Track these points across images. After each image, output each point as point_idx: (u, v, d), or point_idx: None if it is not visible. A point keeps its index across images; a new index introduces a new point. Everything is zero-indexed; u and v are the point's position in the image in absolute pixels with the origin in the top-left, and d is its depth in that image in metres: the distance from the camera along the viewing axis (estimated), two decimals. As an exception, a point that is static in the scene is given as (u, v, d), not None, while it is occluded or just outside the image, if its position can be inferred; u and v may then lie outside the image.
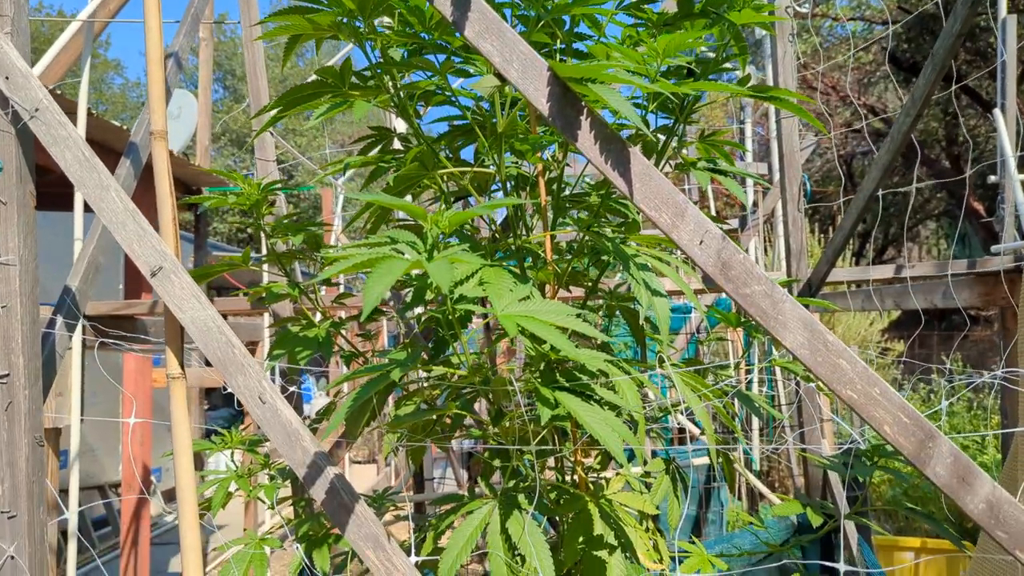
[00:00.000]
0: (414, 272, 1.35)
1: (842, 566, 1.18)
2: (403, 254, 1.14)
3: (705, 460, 3.29)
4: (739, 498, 4.97)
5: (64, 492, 2.97)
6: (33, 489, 1.39)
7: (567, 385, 1.34)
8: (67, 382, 2.87)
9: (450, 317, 1.29)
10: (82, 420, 2.99)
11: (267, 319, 5.59)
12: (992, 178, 4.36)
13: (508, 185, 1.77)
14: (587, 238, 1.83)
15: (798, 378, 2.32)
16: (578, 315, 1.26)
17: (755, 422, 4.70)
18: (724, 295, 2.20)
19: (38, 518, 1.40)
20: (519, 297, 1.29)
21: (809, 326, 1.19)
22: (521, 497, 1.44)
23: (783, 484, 4.52)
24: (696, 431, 3.24)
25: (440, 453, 7.22)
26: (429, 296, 1.37)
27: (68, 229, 2.99)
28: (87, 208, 2.69)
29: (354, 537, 1.32)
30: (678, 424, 4.39)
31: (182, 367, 1.41)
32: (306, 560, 1.69)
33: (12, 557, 1.37)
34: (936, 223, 14.17)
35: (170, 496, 7.50)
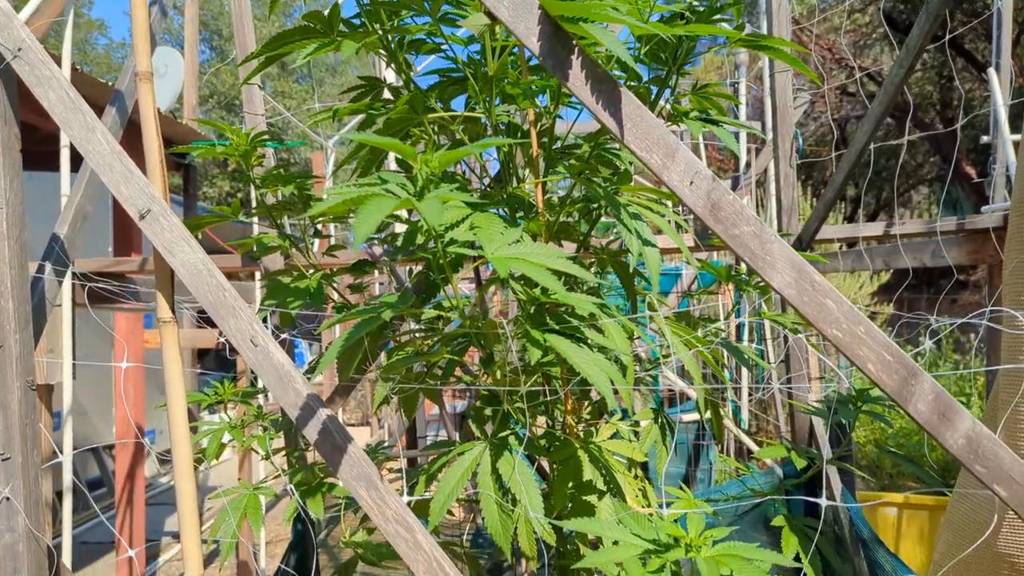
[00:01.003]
0: (403, 213, 1.35)
1: (823, 501, 1.20)
2: (393, 194, 1.14)
3: (694, 416, 3.33)
4: (727, 455, 5.04)
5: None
6: (26, 432, 1.40)
7: (557, 328, 1.35)
8: (58, 339, 2.86)
9: (441, 261, 1.29)
10: (75, 377, 3.00)
11: (259, 284, 5.59)
12: (985, 138, 4.37)
13: (500, 134, 1.76)
14: (578, 192, 1.83)
15: (787, 331, 2.34)
16: (570, 259, 1.26)
17: (744, 379, 4.75)
18: (716, 257, 2.22)
19: (32, 461, 1.41)
20: (510, 240, 1.29)
21: (797, 266, 1.20)
22: (511, 439, 1.46)
23: (770, 441, 4.59)
24: (686, 388, 3.28)
25: (433, 415, 7.28)
26: (420, 239, 1.37)
27: (55, 188, 2.96)
28: (74, 167, 2.66)
29: (347, 477, 1.34)
30: (667, 384, 4.44)
31: (173, 312, 1.41)
32: (301, 503, 1.71)
33: (7, 498, 1.38)
34: (928, 188, 14.20)
35: (164, 457, 7.56)
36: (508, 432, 1.50)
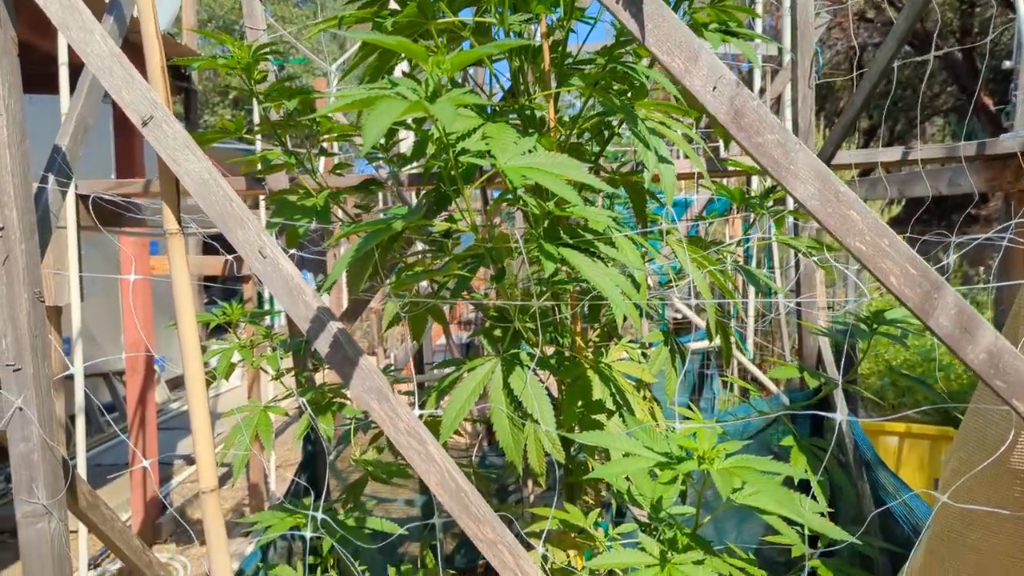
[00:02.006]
0: (412, 120, 1.31)
1: (839, 416, 1.19)
2: (404, 97, 1.09)
3: (701, 344, 3.34)
4: (730, 390, 5.09)
5: (69, 379, 3.02)
6: (36, 343, 1.39)
7: (571, 242, 1.32)
8: (65, 261, 2.85)
9: (452, 172, 1.26)
10: (83, 299, 3.00)
11: (263, 216, 5.54)
12: (1007, 63, 4.23)
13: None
14: (591, 108, 1.77)
15: (799, 254, 2.31)
16: (589, 162, 1.23)
17: (751, 306, 4.74)
18: (723, 195, 2.16)
19: (44, 372, 1.41)
20: (523, 150, 1.25)
21: (821, 176, 1.16)
22: (523, 354, 1.45)
23: (780, 361, 4.60)
24: (694, 317, 3.27)
25: (439, 345, 7.33)
26: (430, 149, 1.33)
27: (55, 111, 2.90)
28: (73, 86, 2.59)
29: (358, 389, 1.34)
30: (674, 315, 4.44)
31: (179, 223, 1.39)
32: (312, 416, 1.72)
33: (21, 409, 1.39)
34: (944, 119, 13.88)
35: (174, 385, 7.66)
36: (519, 349, 1.49)
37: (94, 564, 4.22)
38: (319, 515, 1.47)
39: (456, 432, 2.36)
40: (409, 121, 1.38)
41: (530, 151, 1.26)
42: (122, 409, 6.59)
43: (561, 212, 1.32)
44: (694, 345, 3.26)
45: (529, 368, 1.40)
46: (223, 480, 5.49)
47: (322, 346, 1.33)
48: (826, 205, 1.16)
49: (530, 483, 2.91)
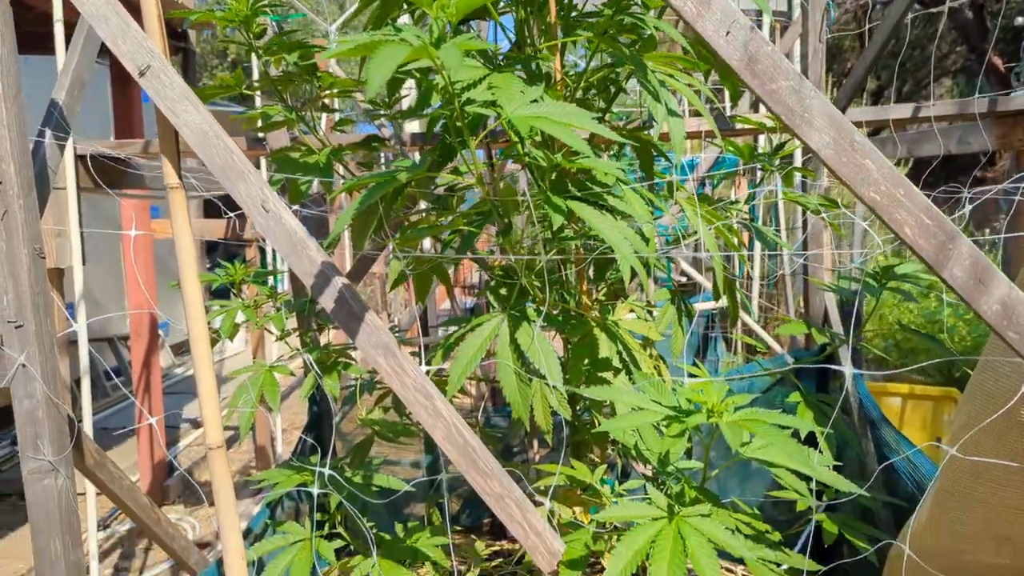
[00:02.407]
0: (416, 69, 1.28)
1: (847, 369, 1.18)
2: (408, 42, 1.06)
3: (706, 305, 3.32)
4: (734, 353, 5.09)
5: (73, 344, 3.01)
6: (37, 300, 1.38)
7: (579, 195, 1.30)
8: (65, 221, 2.83)
9: (458, 122, 1.23)
10: (85, 263, 2.98)
11: (265, 172, 5.50)
12: (1020, 20, 4.14)
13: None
14: (598, 61, 1.73)
15: (806, 215, 2.28)
16: (595, 118, 1.20)
17: (756, 265, 4.72)
18: (731, 152, 2.13)
19: (46, 328, 1.40)
20: (529, 100, 1.22)
21: (836, 124, 1.13)
22: (530, 310, 1.43)
23: (787, 318, 4.58)
24: (700, 278, 3.25)
25: (444, 309, 7.34)
26: (435, 100, 1.30)
27: (51, 71, 2.85)
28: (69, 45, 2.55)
29: (365, 345, 1.33)
30: (681, 275, 4.42)
31: (179, 177, 1.36)
32: (318, 373, 1.72)
33: (24, 365, 1.38)
34: (952, 80, 13.66)
35: (179, 350, 7.69)
36: (526, 305, 1.48)
37: (103, 525, 4.28)
38: (326, 471, 1.47)
39: (461, 392, 2.36)
40: (413, 70, 1.34)
41: (536, 101, 1.23)
42: (127, 373, 6.62)
43: (569, 164, 1.30)
44: (699, 306, 3.24)
45: (536, 323, 1.39)
46: (230, 444, 5.54)
47: (327, 301, 1.31)
48: (840, 154, 1.14)
49: (535, 444, 2.92)
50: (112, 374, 6.61)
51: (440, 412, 1.35)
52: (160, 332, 5.59)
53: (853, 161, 1.13)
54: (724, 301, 2.00)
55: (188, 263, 1.36)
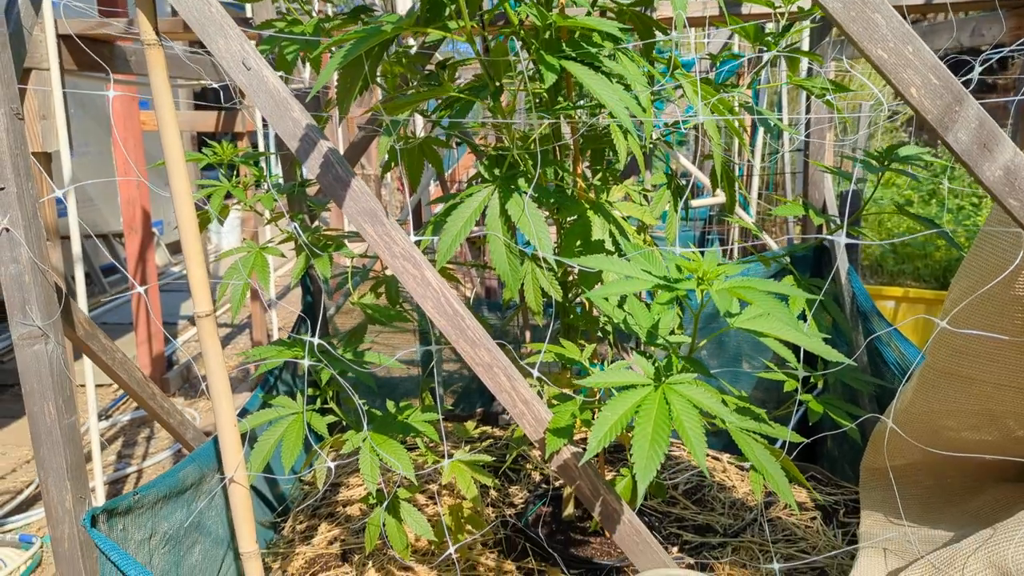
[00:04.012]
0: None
1: (842, 239, 1.16)
2: None
3: (703, 201, 3.28)
4: (730, 258, 5.07)
5: (65, 239, 2.97)
6: (18, 162, 1.35)
7: (573, 54, 1.24)
8: (50, 104, 2.75)
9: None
10: (74, 154, 2.92)
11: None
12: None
13: None
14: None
15: (812, 95, 2.22)
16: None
17: (755, 184, 4.66)
18: (739, 34, 2.03)
19: (28, 192, 1.37)
20: (524, -50, 1.15)
21: (847, -26, 1.07)
22: (521, 181, 1.40)
23: (783, 199, 4.54)
24: (697, 172, 3.20)
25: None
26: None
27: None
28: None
29: (351, 212, 1.30)
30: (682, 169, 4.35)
31: (156, 33, 1.30)
32: (309, 247, 1.70)
33: (7, 229, 1.36)
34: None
35: (174, 249, 7.67)
36: (517, 172, 1.44)
37: (105, 416, 4.37)
38: (316, 340, 1.47)
39: (452, 279, 2.35)
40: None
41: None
42: (124, 271, 6.63)
43: (564, 22, 1.23)
44: (696, 202, 3.21)
45: (527, 194, 1.36)
46: (227, 340, 5.59)
47: (312, 165, 1.28)
48: (849, 8, 1.08)
49: (527, 335, 2.95)
50: (118, 265, 6.62)
51: (429, 281, 1.34)
52: (154, 230, 5.56)
53: (863, 15, 1.08)
54: (721, 197, 1.97)
55: (169, 121, 1.32)
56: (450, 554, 1.85)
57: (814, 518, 2.12)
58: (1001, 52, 1.32)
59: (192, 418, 4.30)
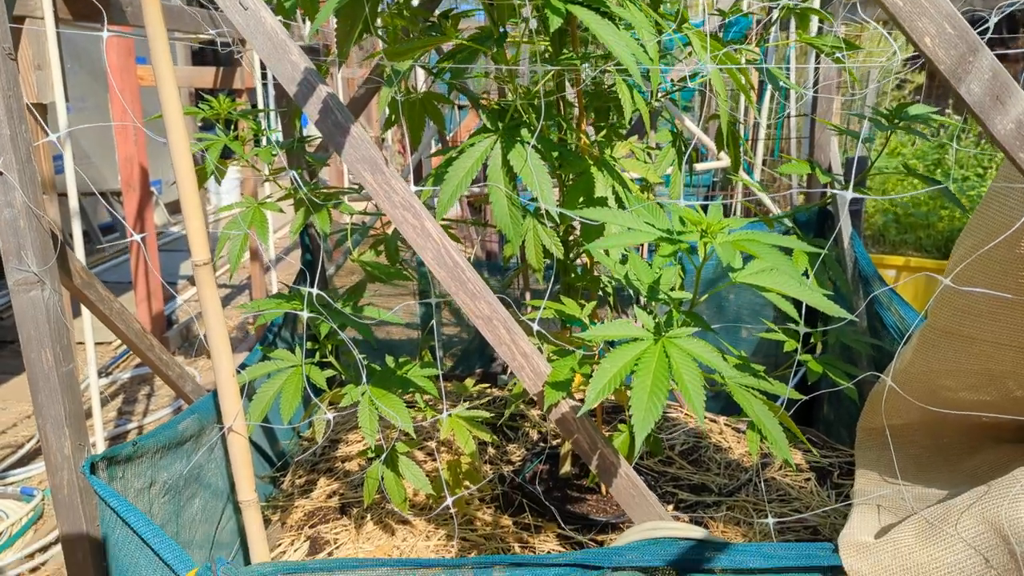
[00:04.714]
0: None
1: (848, 193, 1.15)
2: None
3: (709, 165, 3.25)
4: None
5: (63, 196, 2.94)
6: (11, 104, 1.32)
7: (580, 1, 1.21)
8: (45, 54, 2.71)
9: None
10: (70, 108, 2.88)
11: None
12: None
13: None
14: None
15: (821, 55, 2.18)
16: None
17: (760, 149, 4.62)
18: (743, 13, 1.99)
19: (22, 135, 1.35)
20: None
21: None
22: (524, 131, 1.38)
23: (789, 158, 4.51)
24: (702, 135, 3.16)
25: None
26: None
27: None
28: None
29: (351, 159, 1.28)
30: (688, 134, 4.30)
31: (152, -28, 1.26)
32: (308, 198, 1.68)
33: (1, 173, 1.34)
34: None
35: (173, 209, 7.64)
36: (520, 122, 1.42)
37: (105, 373, 4.38)
38: (314, 291, 1.46)
39: (452, 239, 2.34)
40: None
41: None
42: (123, 231, 6.60)
43: (570, -34, 1.20)
44: (700, 166, 3.18)
45: (530, 144, 1.34)
46: (227, 300, 5.59)
47: (311, 110, 1.25)
48: (864, -48, 1.05)
49: (528, 296, 2.94)
50: (116, 216, 6.59)
51: (429, 233, 1.33)
52: (153, 189, 5.52)
53: (877, -39, 1.05)
54: (725, 160, 1.95)
55: (165, 71, 1.29)
56: (447, 507, 1.86)
57: (808, 479, 2.13)
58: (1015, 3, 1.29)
59: (192, 376, 4.32)
